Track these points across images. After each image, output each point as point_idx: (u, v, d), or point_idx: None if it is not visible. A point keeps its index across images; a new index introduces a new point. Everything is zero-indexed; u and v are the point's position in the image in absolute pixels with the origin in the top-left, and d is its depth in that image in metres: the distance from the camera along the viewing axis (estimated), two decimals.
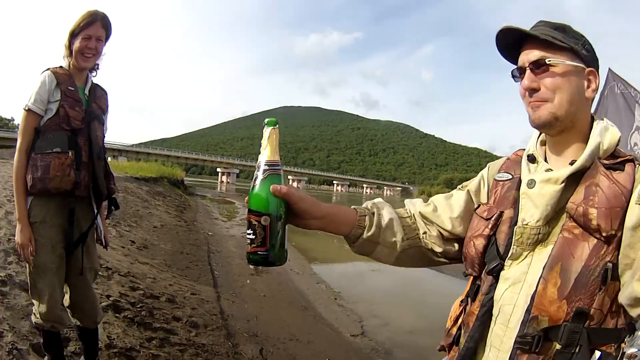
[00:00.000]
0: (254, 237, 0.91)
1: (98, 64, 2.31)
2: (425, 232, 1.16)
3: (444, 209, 1.16)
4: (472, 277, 1.09)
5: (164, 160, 58.36)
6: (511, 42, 1.02)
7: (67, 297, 2.24)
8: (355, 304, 6.31)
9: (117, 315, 3.54)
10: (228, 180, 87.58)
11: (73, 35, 2.14)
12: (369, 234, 1.08)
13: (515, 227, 0.98)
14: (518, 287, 0.96)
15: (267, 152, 0.93)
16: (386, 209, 1.14)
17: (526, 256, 0.97)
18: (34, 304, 2.14)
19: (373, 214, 1.11)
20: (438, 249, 1.15)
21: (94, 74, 2.32)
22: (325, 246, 11.57)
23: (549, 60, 0.96)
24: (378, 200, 1.18)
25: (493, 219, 1.03)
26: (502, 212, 1.03)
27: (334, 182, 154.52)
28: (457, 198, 1.18)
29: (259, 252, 0.91)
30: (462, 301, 1.18)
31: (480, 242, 1.04)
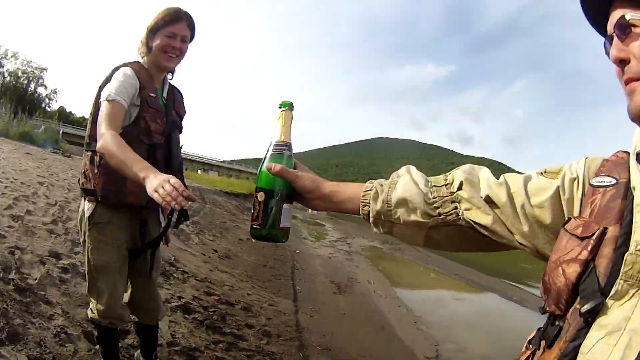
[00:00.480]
0: (252, 211, 0.94)
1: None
2: (469, 208, 0.83)
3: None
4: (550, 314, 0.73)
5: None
6: (601, 7, 0.69)
7: (127, 293, 2.15)
8: (433, 328, 5.98)
9: (186, 316, 3.47)
10: None
11: (153, 32, 1.96)
12: (375, 210, 0.89)
13: (627, 253, 0.63)
14: (615, 337, 0.60)
15: (275, 133, 0.97)
16: (404, 179, 0.90)
17: (632, 295, 0.61)
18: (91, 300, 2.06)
19: (382, 186, 0.91)
20: (487, 231, 0.81)
21: (170, 76, 2.14)
22: (411, 272, 11.12)
23: (632, 18, 0.63)
24: (405, 168, 0.94)
25: (594, 238, 0.66)
26: (605, 229, 0.67)
27: None
28: (541, 189, 0.80)
29: (254, 226, 0.94)
30: (530, 341, 0.79)
31: (573, 270, 0.67)
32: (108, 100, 1.76)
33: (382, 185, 0.91)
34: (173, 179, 1.38)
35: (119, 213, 1.92)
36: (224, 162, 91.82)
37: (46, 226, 4.30)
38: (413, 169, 0.92)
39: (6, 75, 20.89)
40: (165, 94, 2.07)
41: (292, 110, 0.98)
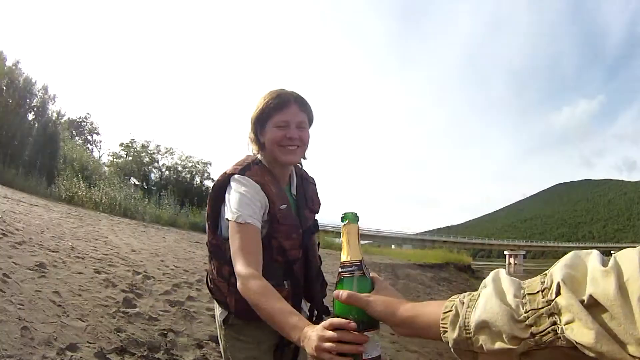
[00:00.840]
0: None
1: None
2: (570, 321, 0.55)
3: None
4: None
5: (450, 247, 58.34)
6: None
7: None
8: None
9: None
10: (515, 261, 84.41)
11: (260, 124, 1.60)
12: (453, 338, 0.69)
13: None
14: None
15: (343, 253, 0.86)
16: (487, 292, 0.67)
17: None
18: None
19: (463, 304, 0.70)
20: (591, 352, 0.53)
21: (300, 165, 1.79)
22: None
23: None
24: (492, 275, 0.70)
25: None
26: None
27: (612, 252, 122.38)
28: None
29: None
30: None
31: None
32: (239, 223, 1.43)
33: (463, 303, 0.70)
34: (329, 333, 0.89)
35: (259, 327, 1.59)
36: (416, 234, 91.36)
37: (211, 312, 4.11)
38: (502, 273, 0.70)
39: (163, 169, 23.38)
40: (294, 190, 1.73)
41: (357, 221, 0.87)
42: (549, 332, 0.59)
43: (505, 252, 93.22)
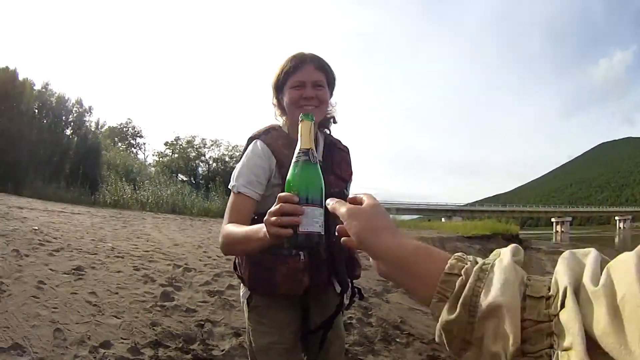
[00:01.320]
0: None
1: (333, 117, 1.72)
2: (568, 349, 0.42)
3: None
4: None
5: (499, 216, 56.72)
6: None
7: None
8: None
9: None
10: (562, 229, 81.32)
11: (279, 89, 1.60)
12: (450, 318, 0.51)
13: None
14: None
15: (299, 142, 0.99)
16: (503, 271, 0.50)
17: None
18: None
19: (473, 274, 0.51)
20: None
21: (327, 131, 1.74)
22: None
23: None
24: (507, 251, 0.55)
25: None
26: None
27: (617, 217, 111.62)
28: None
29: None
30: None
31: None
32: (234, 192, 1.52)
33: (472, 272, 0.51)
34: (274, 207, 0.99)
35: (280, 301, 1.61)
36: (466, 205, 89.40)
37: None
38: (506, 258, 0.53)
39: (211, 162, 23.33)
40: (320, 156, 1.65)
41: (311, 120, 0.99)
42: (542, 356, 0.46)
43: (553, 220, 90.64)
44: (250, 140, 1.62)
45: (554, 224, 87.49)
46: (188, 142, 24.65)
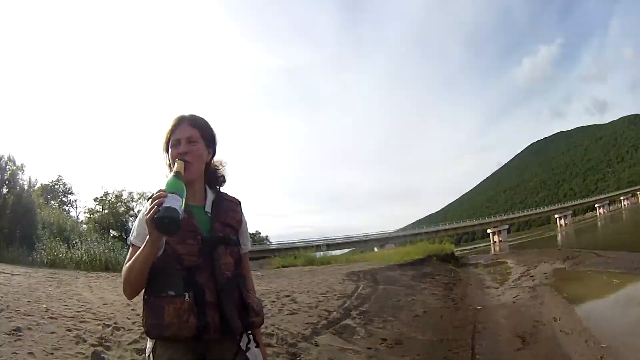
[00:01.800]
0: None
1: (222, 176, 1.87)
2: None
3: None
4: None
5: (432, 237, 56.58)
6: None
7: None
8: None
9: None
10: (500, 238, 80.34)
11: (166, 149, 1.77)
12: None
13: None
14: None
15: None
16: None
17: None
18: None
19: None
20: None
21: (216, 185, 1.87)
22: (594, 285, 9.97)
23: None
24: None
25: None
26: None
27: (596, 205, 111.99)
28: None
29: None
30: None
31: None
32: (130, 244, 1.70)
33: None
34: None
35: (177, 349, 1.60)
36: (398, 230, 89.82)
37: None
38: None
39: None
40: (208, 208, 1.78)
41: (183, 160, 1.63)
42: None
43: (488, 231, 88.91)
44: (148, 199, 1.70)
45: (491, 234, 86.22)
46: (117, 196, 24.44)
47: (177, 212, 1.41)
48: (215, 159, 1.85)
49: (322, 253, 27.75)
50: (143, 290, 1.64)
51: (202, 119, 1.79)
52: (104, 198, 24.46)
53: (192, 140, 1.72)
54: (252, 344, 1.74)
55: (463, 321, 7.45)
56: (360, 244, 70.47)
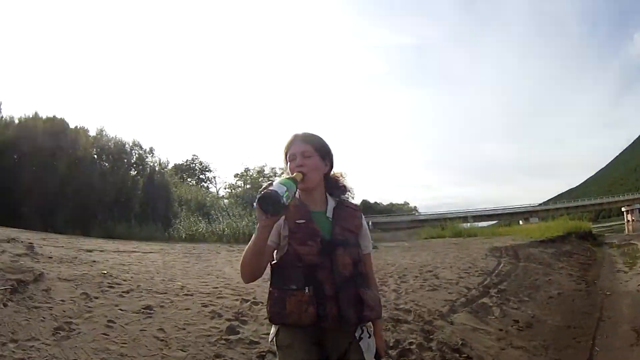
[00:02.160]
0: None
1: (343, 185, 2.04)
2: None
3: None
4: None
5: (572, 212, 52.59)
6: None
7: None
8: None
9: None
10: (632, 218, 73.57)
11: (286, 164, 1.98)
12: None
13: None
14: None
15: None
16: None
17: None
18: None
19: None
20: None
21: (337, 194, 2.04)
22: None
23: None
24: None
25: None
26: None
27: None
28: None
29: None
30: None
31: None
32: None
33: None
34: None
35: (298, 335, 1.82)
36: (541, 204, 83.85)
37: None
38: None
39: None
40: (329, 213, 1.97)
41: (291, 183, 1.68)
42: None
43: (623, 209, 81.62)
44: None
45: (625, 213, 79.53)
46: (258, 172, 24.79)
47: (279, 195, 1.52)
48: (336, 170, 2.02)
49: (468, 225, 26.62)
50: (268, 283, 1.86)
51: (315, 135, 1.98)
52: (245, 174, 25.01)
53: (307, 155, 1.89)
54: (365, 335, 1.88)
55: (592, 307, 6.93)
56: (506, 217, 68.25)
